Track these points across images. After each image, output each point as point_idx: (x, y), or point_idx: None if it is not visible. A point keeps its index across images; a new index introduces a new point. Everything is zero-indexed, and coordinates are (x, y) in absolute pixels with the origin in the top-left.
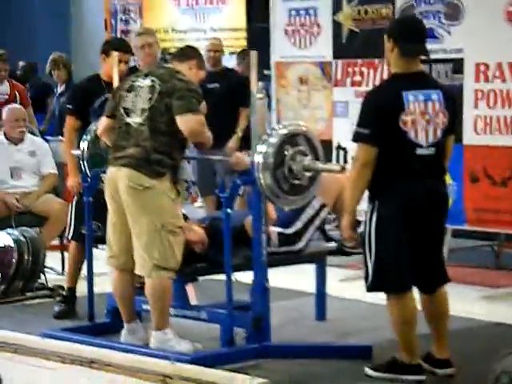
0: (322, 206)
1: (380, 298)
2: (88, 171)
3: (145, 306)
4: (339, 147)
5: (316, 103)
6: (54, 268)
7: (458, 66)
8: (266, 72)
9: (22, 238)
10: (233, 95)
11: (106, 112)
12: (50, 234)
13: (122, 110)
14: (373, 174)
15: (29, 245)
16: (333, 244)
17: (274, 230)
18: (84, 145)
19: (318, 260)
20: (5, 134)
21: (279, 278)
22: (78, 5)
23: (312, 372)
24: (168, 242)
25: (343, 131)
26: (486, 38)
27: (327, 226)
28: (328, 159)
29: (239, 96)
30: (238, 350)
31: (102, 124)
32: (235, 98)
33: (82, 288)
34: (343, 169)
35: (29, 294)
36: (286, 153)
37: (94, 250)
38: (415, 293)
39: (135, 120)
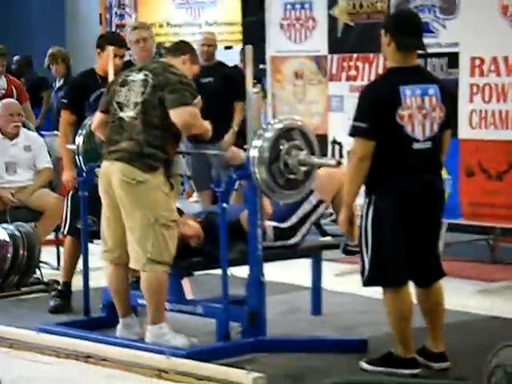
0: (320, 202)
1: (376, 292)
2: (83, 166)
3: (140, 301)
4: (334, 142)
5: (311, 98)
6: (50, 263)
7: (453, 60)
8: (261, 66)
9: (17, 233)
10: (227, 89)
11: (100, 107)
12: (45, 228)
13: (115, 105)
14: (369, 169)
15: (24, 239)
16: (329, 238)
17: (270, 224)
18: (79, 139)
19: (314, 254)
20: (0, 129)
21: (275, 272)
22: None
23: (307, 366)
24: (162, 236)
25: (338, 126)
26: (481, 32)
27: (323, 221)
28: (323, 154)
29: (233, 90)
30: (234, 344)
31: (95, 119)
32: (229, 91)
33: (77, 282)
34: (339, 163)
35: (24, 289)
36: (281, 147)
37: (90, 245)
38: (410, 287)
39: (128, 114)
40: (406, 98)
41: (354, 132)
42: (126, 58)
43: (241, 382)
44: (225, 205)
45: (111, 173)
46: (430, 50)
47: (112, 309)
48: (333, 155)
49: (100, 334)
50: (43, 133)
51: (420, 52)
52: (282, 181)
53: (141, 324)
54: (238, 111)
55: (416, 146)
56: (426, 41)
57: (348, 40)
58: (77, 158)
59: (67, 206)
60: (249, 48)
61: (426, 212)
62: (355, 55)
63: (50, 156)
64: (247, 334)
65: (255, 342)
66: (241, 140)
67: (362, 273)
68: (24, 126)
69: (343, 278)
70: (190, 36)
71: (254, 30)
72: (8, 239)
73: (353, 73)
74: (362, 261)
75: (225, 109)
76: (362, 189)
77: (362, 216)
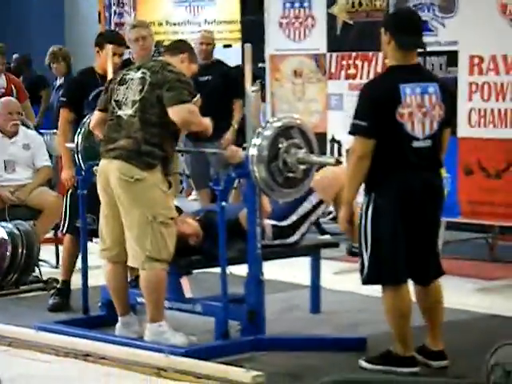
0: (320, 202)
1: (375, 290)
2: (82, 164)
3: (139, 299)
4: (333, 140)
5: (310, 96)
6: (49, 261)
7: (452, 58)
8: (260, 65)
9: (16, 231)
10: (225, 87)
11: (99, 106)
12: (44, 226)
13: (113, 103)
14: (369, 167)
15: (23, 238)
16: (327, 237)
17: (269, 222)
18: (78, 138)
19: (313, 253)
20: None
21: (274, 270)
22: None
23: (306, 364)
24: (160, 234)
25: (337, 124)
26: (480, 30)
27: (322, 219)
28: (322, 152)
29: (232, 88)
30: (233, 342)
31: (94, 118)
32: (228, 89)
33: (76, 281)
34: (338, 161)
35: (23, 287)
36: (280, 146)
37: (89, 243)
38: (410, 285)
39: (126, 112)
40: (406, 97)
41: (354, 130)
42: (126, 57)
43: (240, 380)
44: (224, 203)
45: (109, 171)
46: (429, 49)
47: (111, 307)
48: (332, 153)
49: (99, 333)
50: (42, 131)
51: (419, 50)
52: (281, 179)
53: (140, 322)
54: (237, 109)
55: (416, 144)
56: (425, 39)
57: (347, 38)
58: (76, 156)
59: (66, 205)
60: (248, 46)
61: (426, 210)
62: (354, 53)
63: (50, 156)
64: (246, 333)
65: (254, 340)
66: (241, 138)
67: (361, 271)
68: (23, 124)
69: (342, 277)
70: (188, 34)
71: (253, 29)
72: (7, 237)
73: (352, 71)
74: (361, 259)
75: (223, 107)
76: (362, 187)
77: (361, 214)
